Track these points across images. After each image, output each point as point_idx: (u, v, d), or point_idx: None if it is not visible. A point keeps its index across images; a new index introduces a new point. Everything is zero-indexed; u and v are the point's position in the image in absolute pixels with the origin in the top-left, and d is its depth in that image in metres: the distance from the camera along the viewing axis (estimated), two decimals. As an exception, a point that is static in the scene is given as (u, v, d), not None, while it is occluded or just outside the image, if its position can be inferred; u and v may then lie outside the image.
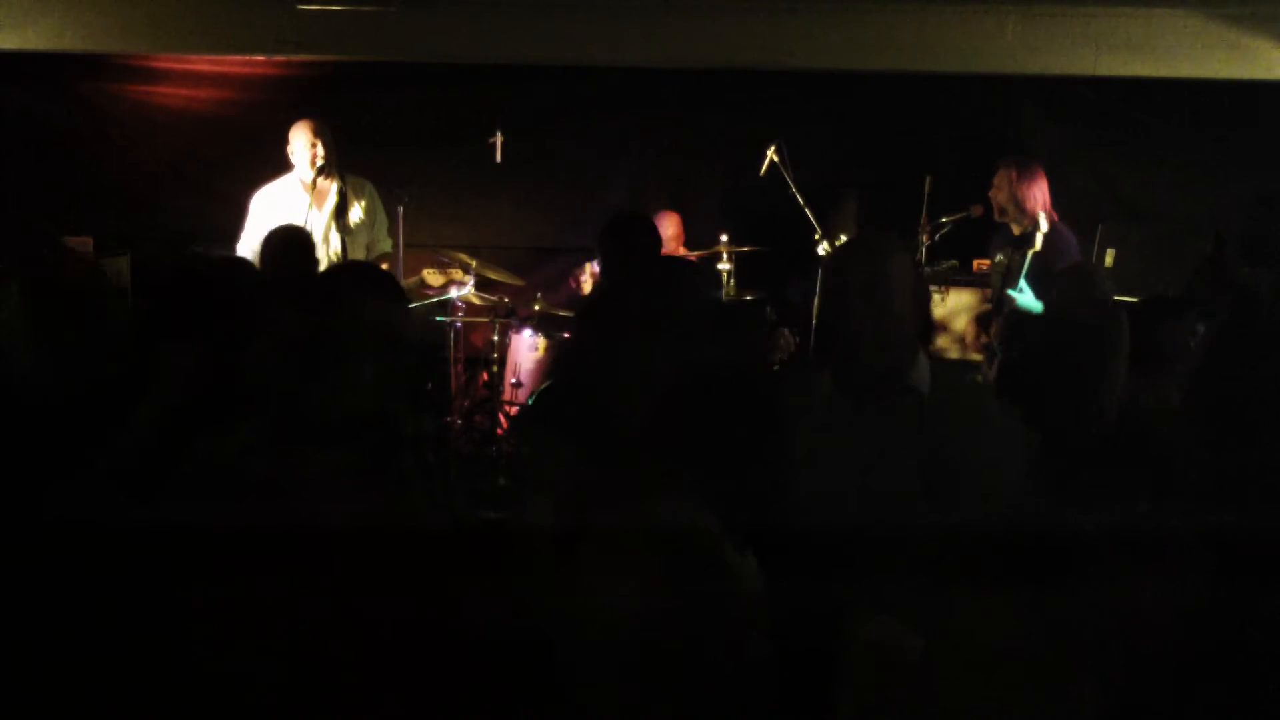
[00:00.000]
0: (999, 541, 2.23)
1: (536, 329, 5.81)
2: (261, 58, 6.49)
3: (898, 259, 2.38)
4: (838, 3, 6.02)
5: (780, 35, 6.06)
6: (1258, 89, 5.99)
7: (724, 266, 5.99)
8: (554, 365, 5.27)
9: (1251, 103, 6.10)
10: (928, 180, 5.60)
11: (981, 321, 5.38)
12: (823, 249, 5.84)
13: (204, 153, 6.67)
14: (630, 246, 3.97)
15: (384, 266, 5.28)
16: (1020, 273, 4.70)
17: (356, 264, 4.44)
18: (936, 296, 5.78)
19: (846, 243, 4.00)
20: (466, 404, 5.88)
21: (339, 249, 5.04)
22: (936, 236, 5.56)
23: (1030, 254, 4.69)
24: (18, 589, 2.15)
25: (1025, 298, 4.70)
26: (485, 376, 5.95)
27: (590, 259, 6.34)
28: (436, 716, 2.16)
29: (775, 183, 5.84)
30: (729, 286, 5.90)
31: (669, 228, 6.15)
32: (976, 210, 5.46)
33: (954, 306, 5.69)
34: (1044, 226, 4.75)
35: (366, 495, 2.28)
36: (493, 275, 5.85)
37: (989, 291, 5.43)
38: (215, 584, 2.13)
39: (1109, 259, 5.54)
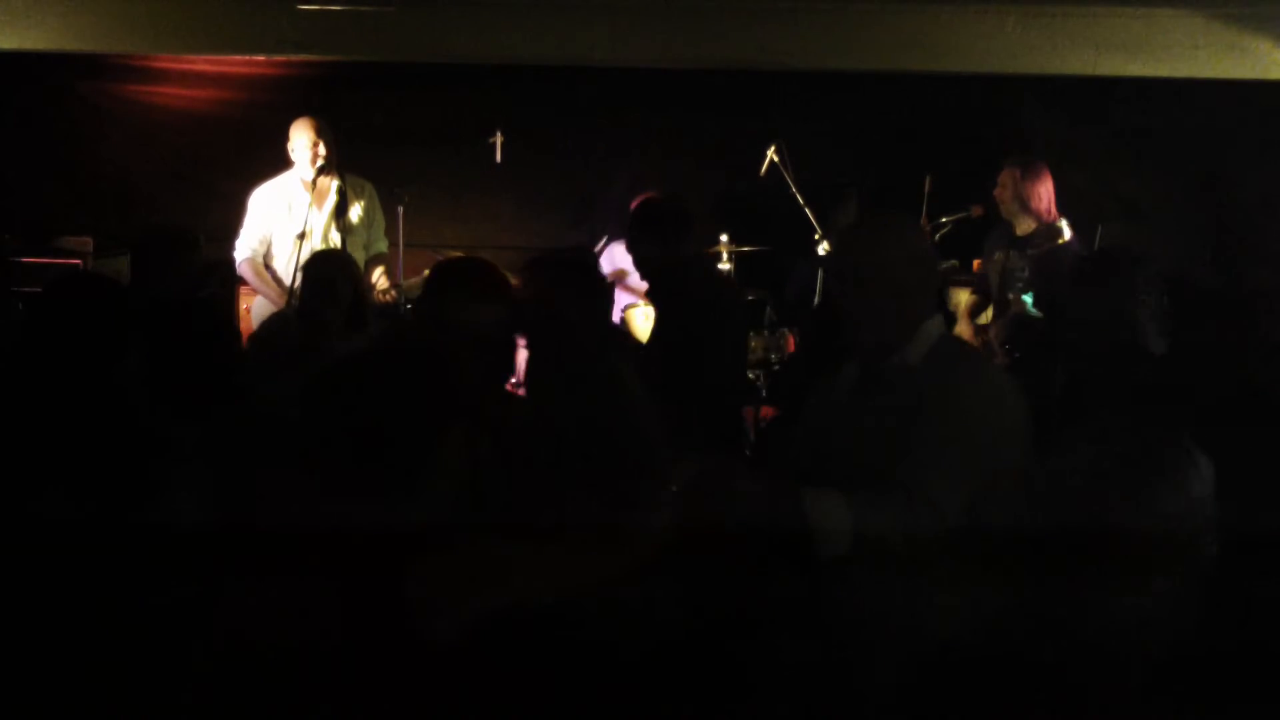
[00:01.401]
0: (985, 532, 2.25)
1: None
2: (261, 58, 6.49)
3: (895, 239, 2.45)
4: (838, 3, 6.02)
5: (780, 35, 6.06)
6: (1258, 89, 5.99)
7: (724, 266, 5.99)
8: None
9: (1251, 103, 6.11)
10: (928, 180, 5.60)
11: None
12: (823, 249, 5.84)
13: (204, 153, 6.67)
14: (664, 236, 3.96)
15: (380, 268, 5.28)
16: (1034, 278, 4.69)
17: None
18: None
19: (849, 225, 4.10)
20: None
21: (339, 247, 5.04)
22: (936, 236, 5.56)
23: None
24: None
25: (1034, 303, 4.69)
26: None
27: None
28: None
29: (775, 183, 5.84)
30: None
31: None
32: (976, 210, 5.46)
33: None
34: (1066, 234, 4.74)
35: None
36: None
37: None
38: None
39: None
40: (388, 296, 5.22)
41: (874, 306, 2.39)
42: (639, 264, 4.06)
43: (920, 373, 2.37)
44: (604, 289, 3.37)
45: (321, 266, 4.13)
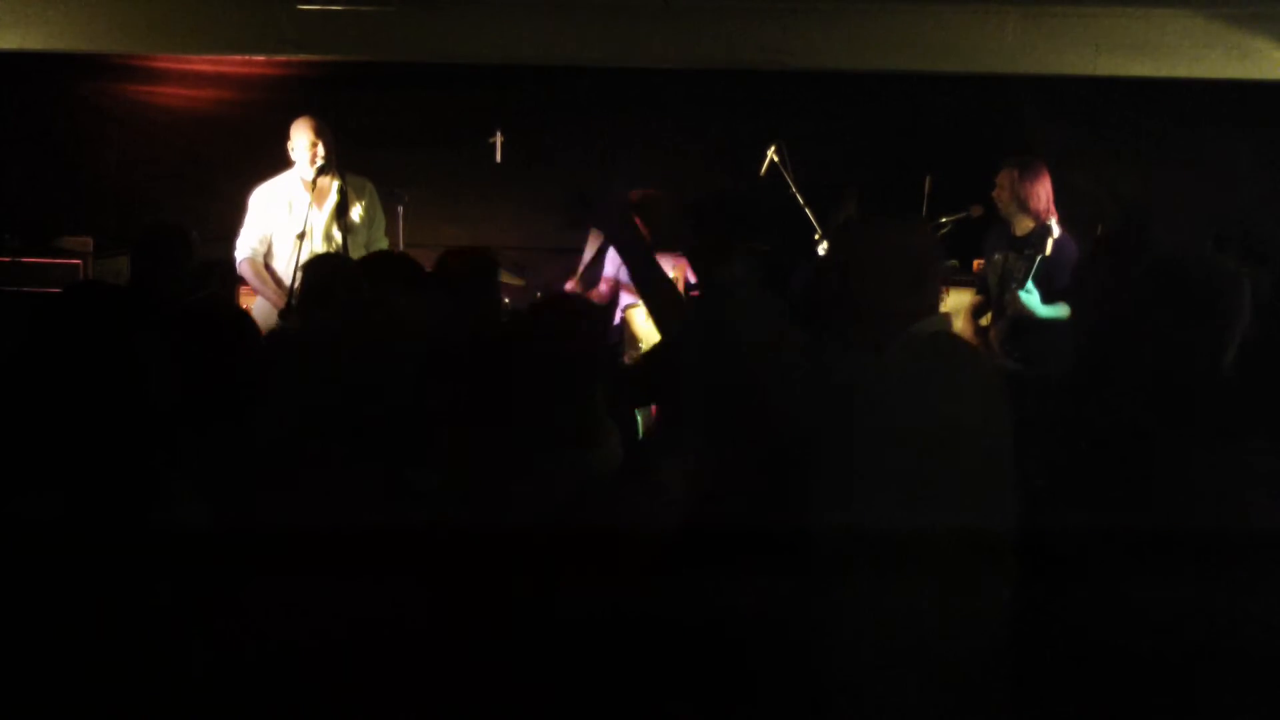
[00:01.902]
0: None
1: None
2: (261, 58, 6.49)
3: (887, 237, 2.49)
4: (838, 3, 6.03)
5: (780, 35, 6.06)
6: (1258, 89, 6.00)
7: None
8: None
9: (1252, 103, 6.11)
10: (928, 180, 5.60)
11: (975, 315, 5.38)
12: (823, 249, 5.84)
13: (204, 152, 6.67)
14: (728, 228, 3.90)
15: None
16: (1028, 274, 4.69)
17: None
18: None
19: (845, 220, 4.12)
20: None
21: (339, 246, 5.04)
22: (937, 236, 5.56)
23: (1040, 258, 4.68)
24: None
25: (1033, 299, 4.68)
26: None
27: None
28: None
29: (775, 183, 5.84)
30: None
31: None
32: (976, 210, 5.45)
33: (954, 306, 5.68)
34: (1055, 231, 4.74)
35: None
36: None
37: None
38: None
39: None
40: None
41: (862, 301, 2.42)
42: (700, 251, 3.97)
43: (898, 368, 2.37)
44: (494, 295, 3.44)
45: (318, 270, 4.14)
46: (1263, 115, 6.12)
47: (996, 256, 5.10)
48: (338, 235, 5.10)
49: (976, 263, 5.84)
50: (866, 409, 2.36)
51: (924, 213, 5.59)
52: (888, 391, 2.34)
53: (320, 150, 5.09)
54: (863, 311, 2.43)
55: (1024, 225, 5.01)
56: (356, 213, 5.23)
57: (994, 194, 5.13)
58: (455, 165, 6.57)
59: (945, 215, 5.56)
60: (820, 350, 2.52)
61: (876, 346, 2.42)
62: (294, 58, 6.37)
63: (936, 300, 2.51)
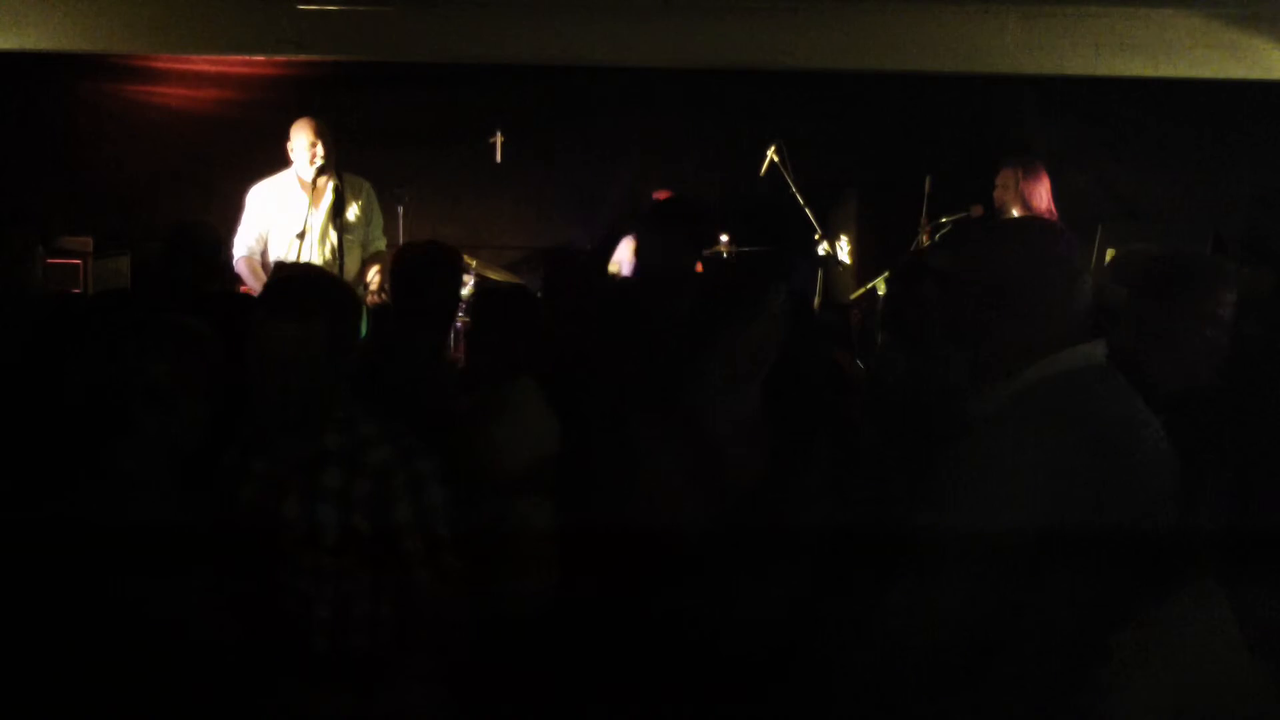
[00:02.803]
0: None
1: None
2: (261, 58, 6.49)
3: (999, 248, 2.11)
4: (838, 3, 6.02)
5: (780, 35, 6.05)
6: (1258, 89, 5.99)
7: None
8: None
9: (1251, 103, 6.11)
10: (928, 180, 5.60)
11: None
12: (823, 249, 5.84)
13: (204, 152, 6.66)
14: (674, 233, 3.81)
15: (376, 266, 5.26)
16: None
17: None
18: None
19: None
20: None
21: (336, 246, 5.03)
22: (937, 236, 5.56)
23: None
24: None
25: None
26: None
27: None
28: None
29: (775, 183, 5.84)
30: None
31: None
32: (977, 210, 5.45)
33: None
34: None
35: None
36: (493, 275, 5.84)
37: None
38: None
39: (1109, 259, 5.53)
40: (382, 295, 5.21)
41: (977, 326, 2.02)
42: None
43: (1004, 411, 1.94)
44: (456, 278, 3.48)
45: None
46: (1263, 115, 6.12)
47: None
48: (334, 235, 5.09)
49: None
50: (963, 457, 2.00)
51: (924, 213, 5.57)
52: (978, 443, 1.95)
53: (319, 150, 5.09)
54: (976, 339, 2.04)
55: (1024, 225, 5.02)
56: (353, 212, 5.23)
57: (996, 194, 5.13)
58: (455, 165, 6.57)
59: (945, 215, 5.56)
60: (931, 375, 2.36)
61: (1005, 376, 1.99)
62: (294, 58, 6.36)
63: (1075, 325, 1.99)
